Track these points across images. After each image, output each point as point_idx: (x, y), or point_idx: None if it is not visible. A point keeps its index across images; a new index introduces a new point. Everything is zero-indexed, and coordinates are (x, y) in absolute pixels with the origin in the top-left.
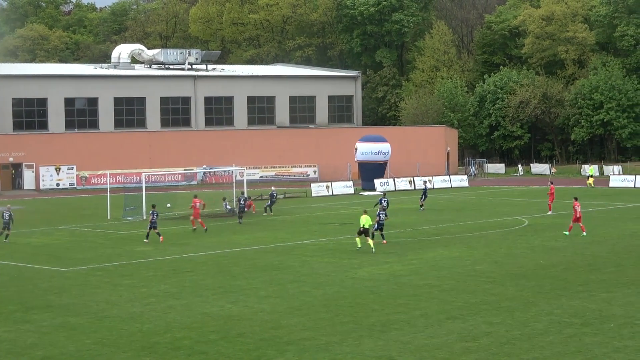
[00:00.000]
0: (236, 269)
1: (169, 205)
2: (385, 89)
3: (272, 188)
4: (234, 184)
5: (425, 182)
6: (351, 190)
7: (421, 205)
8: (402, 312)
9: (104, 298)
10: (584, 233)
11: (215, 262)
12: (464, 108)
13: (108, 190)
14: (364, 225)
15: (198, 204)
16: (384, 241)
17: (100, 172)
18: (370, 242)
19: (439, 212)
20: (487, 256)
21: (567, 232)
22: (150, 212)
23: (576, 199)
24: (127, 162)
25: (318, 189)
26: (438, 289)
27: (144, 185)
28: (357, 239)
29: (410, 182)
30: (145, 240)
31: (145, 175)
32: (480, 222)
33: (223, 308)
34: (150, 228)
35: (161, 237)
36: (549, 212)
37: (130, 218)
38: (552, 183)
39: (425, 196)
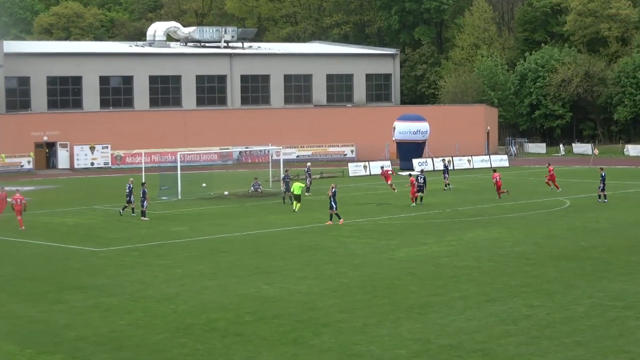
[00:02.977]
0: (273, 249)
1: (204, 185)
2: (424, 67)
3: (308, 164)
4: (270, 164)
5: (443, 161)
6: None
7: (446, 184)
8: (441, 294)
9: (139, 279)
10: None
11: (251, 242)
12: (504, 86)
13: (143, 169)
14: (294, 191)
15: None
16: (341, 220)
17: (135, 151)
18: (298, 205)
19: (478, 193)
20: (527, 237)
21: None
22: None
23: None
24: (162, 141)
25: (355, 169)
26: (477, 270)
27: (179, 165)
28: (294, 203)
29: (449, 161)
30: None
31: (181, 154)
32: (520, 203)
33: (259, 289)
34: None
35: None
36: (558, 189)
37: (165, 198)
38: (549, 165)
39: (448, 174)
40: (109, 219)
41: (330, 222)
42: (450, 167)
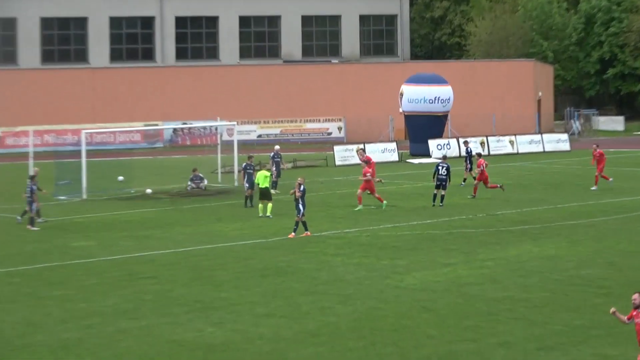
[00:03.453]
0: (222, 273)
1: (121, 178)
2: (446, 6)
3: (276, 147)
4: (219, 147)
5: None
6: (394, 157)
7: (465, 179)
8: (471, 340)
9: (24, 317)
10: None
11: (190, 263)
12: (562, 34)
13: (31, 155)
14: (259, 184)
15: None
16: (307, 232)
17: (19, 129)
18: (269, 206)
19: (526, 189)
20: (599, 255)
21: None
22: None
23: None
24: (59, 114)
25: (344, 155)
26: (524, 304)
27: (84, 149)
28: (260, 205)
29: (482, 143)
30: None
31: (87, 133)
32: (587, 204)
33: (202, 333)
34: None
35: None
36: (593, 187)
37: (63, 197)
38: (597, 146)
39: (471, 163)
40: None
41: (292, 234)
42: (484, 152)
